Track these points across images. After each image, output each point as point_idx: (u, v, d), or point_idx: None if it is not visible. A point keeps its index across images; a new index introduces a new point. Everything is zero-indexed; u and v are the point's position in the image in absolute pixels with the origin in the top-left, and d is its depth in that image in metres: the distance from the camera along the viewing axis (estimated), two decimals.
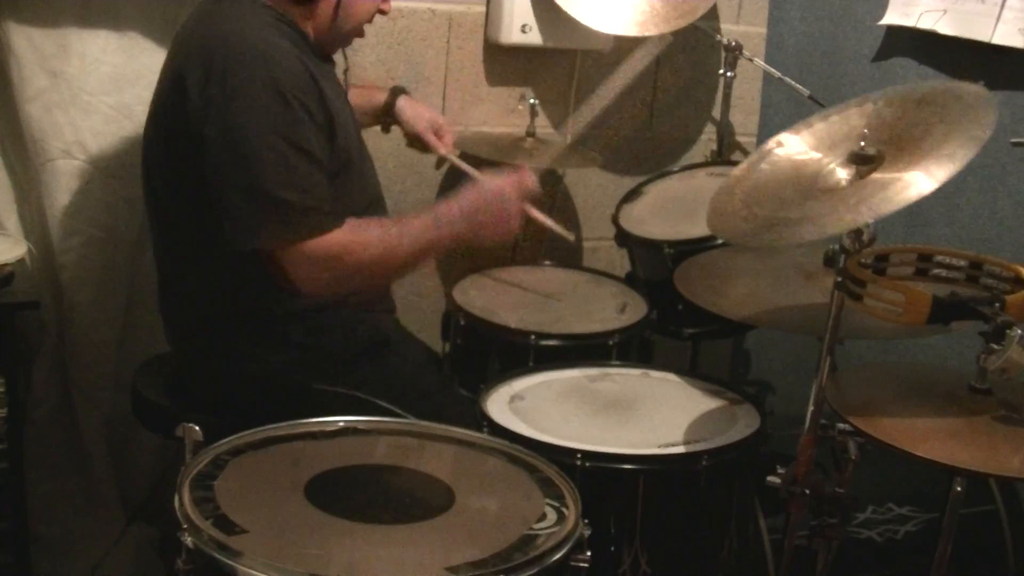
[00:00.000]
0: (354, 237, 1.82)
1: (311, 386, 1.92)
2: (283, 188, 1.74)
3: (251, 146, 1.73)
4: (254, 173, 1.73)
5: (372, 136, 2.60)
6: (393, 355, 2.05)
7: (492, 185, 1.95)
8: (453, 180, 2.74)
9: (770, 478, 1.67)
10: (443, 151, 2.35)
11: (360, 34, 2.04)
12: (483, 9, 2.67)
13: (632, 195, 2.67)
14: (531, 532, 1.44)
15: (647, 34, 2.57)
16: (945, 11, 2.34)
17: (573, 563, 1.42)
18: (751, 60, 2.73)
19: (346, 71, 2.10)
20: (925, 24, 2.38)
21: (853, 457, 1.63)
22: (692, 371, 2.31)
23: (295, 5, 1.87)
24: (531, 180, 1.98)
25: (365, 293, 2.00)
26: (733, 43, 2.69)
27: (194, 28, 1.86)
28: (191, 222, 1.85)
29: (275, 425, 1.66)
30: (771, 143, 1.68)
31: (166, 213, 1.91)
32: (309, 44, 1.91)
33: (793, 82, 2.69)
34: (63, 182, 2.26)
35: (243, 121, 1.72)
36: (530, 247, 2.84)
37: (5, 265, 2.08)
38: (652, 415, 1.98)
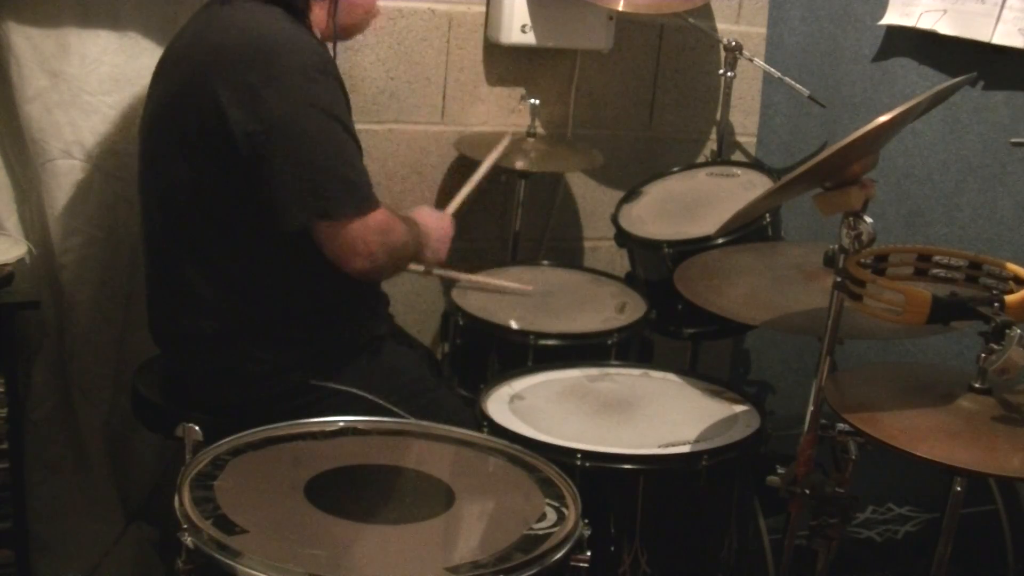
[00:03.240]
0: (391, 215, 1.90)
1: (308, 383, 1.92)
2: (338, 164, 1.80)
3: (304, 127, 1.77)
4: (310, 152, 1.78)
5: (370, 136, 2.61)
6: (389, 351, 2.05)
7: (438, 216, 2.16)
8: (453, 182, 2.75)
9: (770, 478, 1.67)
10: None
11: (368, 21, 2.07)
12: (483, 9, 2.67)
13: (632, 195, 2.67)
14: (531, 532, 1.44)
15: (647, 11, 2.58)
16: (945, 11, 2.34)
17: (573, 563, 1.42)
18: (751, 60, 2.73)
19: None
20: (925, 24, 2.38)
21: (853, 457, 1.63)
22: (692, 371, 2.31)
23: (289, 11, 1.88)
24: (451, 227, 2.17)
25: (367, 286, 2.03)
26: (733, 43, 2.69)
27: (205, 32, 1.86)
28: (202, 220, 1.86)
29: (275, 425, 1.66)
30: None
31: (172, 214, 1.90)
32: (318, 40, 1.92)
33: (793, 82, 2.69)
34: (63, 182, 2.26)
35: (291, 104, 1.76)
36: (530, 247, 2.84)
37: (5, 265, 2.08)
38: (652, 415, 1.98)
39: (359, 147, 1.88)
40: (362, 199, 1.83)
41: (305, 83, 1.78)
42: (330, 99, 1.81)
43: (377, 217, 1.84)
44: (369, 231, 1.82)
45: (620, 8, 2.56)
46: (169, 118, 1.88)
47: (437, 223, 2.12)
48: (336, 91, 1.83)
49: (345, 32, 2.01)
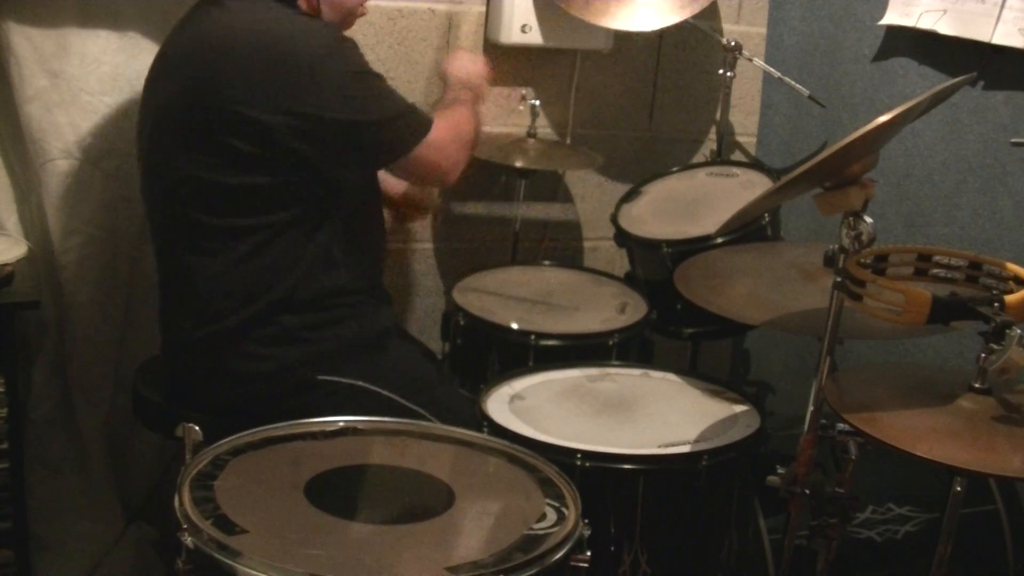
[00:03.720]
0: (444, 116, 2.04)
1: (316, 379, 1.93)
2: (384, 113, 1.91)
3: (344, 105, 1.84)
4: (359, 118, 1.87)
5: None
6: (393, 345, 2.06)
7: (469, 60, 2.32)
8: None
9: (770, 478, 1.67)
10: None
11: (352, 21, 2.07)
12: (483, 9, 2.67)
13: (632, 195, 2.67)
14: (531, 532, 1.44)
15: (648, 29, 2.59)
16: (945, 11, 2.34)
17: (573, 563, 1.42)
18: (751, 60, 2.73)
19: None
20: (925, 24, 2.38)
21: (853, 457, 1.64)
22: (692, 371, 2.31)
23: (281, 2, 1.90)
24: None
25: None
26: (733, 43, 2.69)
27: (206, 34, 1.87)
28: (207, 219, 1.87)
29: (275, 425, 1.66)
30: None
31: (181, 208, 1.90)
32: None
33: (793, 82, 2.69)
34: (63, 182, 2.26)
35: (325, 92, 1.82)
36: (530, 247, 2.84)
37: (5, 265, 2.08)
38: (652, 415, 1.98)
39: (385, 83, 1.95)
40: (418, 126, 1.94)
41: (327, 69, 1.82)
42: (351, 63, 1.88)
43: (438, 131, 1.95)
44: (439, 146, 1.96)
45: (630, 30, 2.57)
46: (174, 120, 1.88)
47: (472, 66, 2.28)
48: (351, 51, 1.89)
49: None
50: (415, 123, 1.95)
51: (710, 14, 2.89)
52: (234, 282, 1.90)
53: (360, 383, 1.94)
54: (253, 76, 1.79)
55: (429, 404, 1.95)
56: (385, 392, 1.95)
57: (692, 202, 2.59)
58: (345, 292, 1.97)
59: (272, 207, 1.86)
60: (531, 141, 2.63)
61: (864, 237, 1.52)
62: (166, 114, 1.90)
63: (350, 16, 2.04)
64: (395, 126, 1.92)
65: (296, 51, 1.81)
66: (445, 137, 1.99)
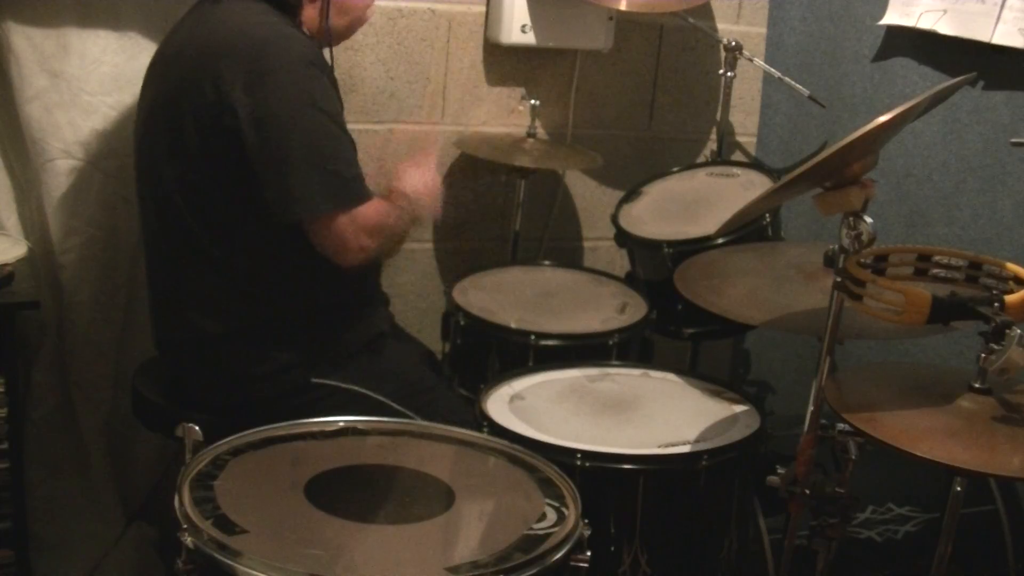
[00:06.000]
0: (381, 204, 1.88)
1: (310, 381, 1.93)
2: (325, 159, 1.80)
3: (293, 122, 1.78)
4: (298, 147, 1.78)
5: (370, 136, 2.61)
6: (389, 348, 2.06)
7: (422, 173, 2.03)
8: (453, 182, 2.75)
9: (770, 478, 1.67)
10: None
11: (359, 25, 2.06)
12: (483, 9, 2.67)
13: (632, 195, 2.67)
14: (531, 532, 1.44)
15: (648, 11, 2.59)
16: (945, 11, 2.34)
17: (573, 563, 1.42)
18: (751, 60, 2.73)
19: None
20: (925, 24, 2.38)
21: (853, 457, 1.64)
22: (692, 371, 2.31)
23: (280, 9, 1.89)
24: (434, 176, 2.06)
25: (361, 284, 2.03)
26: (733, 43, 2.69)
27: (195, 33, 1.87)
28: (199, 221, 1.86)
29: (275, 425, 1.66)
30: None
31: (169, 216, 1.90)
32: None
33: (793, 82, 2.69)
34: (63, 182, 2.26)
35: (281, 98, 1.77)
36: (530, 247, 2.84)
37: (5, 265, 2.08)
38: (652, 415, 1.98)
39: (351, 141, 1.87)
40: (350, 194, 1.82)
41: (294, 77, 1.78)
42: (319, 93, 1.81)
43: (366, 211, 1.83)
44: (359, 226, 1.82)
45: (623, 8, 2.56)
46: (163, 119, 1.88)
47: (424, 181, 2.02)
48: (325, 85, 1.84)
49: (335, 35, 2.00)
50: (346, 189, 1.81)
51: (710, 14, 2.89)
52: (230, 286, 1.90)
53: (354, 387, 1.94)
54: (230, 74, 1.78)
55: (424, 408, 1.95)
56: (378, 396, 1.94)
57: (692, 202, 2.59)
58: (340, 294, 1.97)
59: (262, 211, 1.84)
60: (531, 141, 2.63)
61: (864, 237, 1.52)
62: (157, 116, 1.90)
63: (356, 22, 2.04)
64: (323, 177, 1.78)
65: (266, 51, 1.79)
66: (367, 224, 1.83)
